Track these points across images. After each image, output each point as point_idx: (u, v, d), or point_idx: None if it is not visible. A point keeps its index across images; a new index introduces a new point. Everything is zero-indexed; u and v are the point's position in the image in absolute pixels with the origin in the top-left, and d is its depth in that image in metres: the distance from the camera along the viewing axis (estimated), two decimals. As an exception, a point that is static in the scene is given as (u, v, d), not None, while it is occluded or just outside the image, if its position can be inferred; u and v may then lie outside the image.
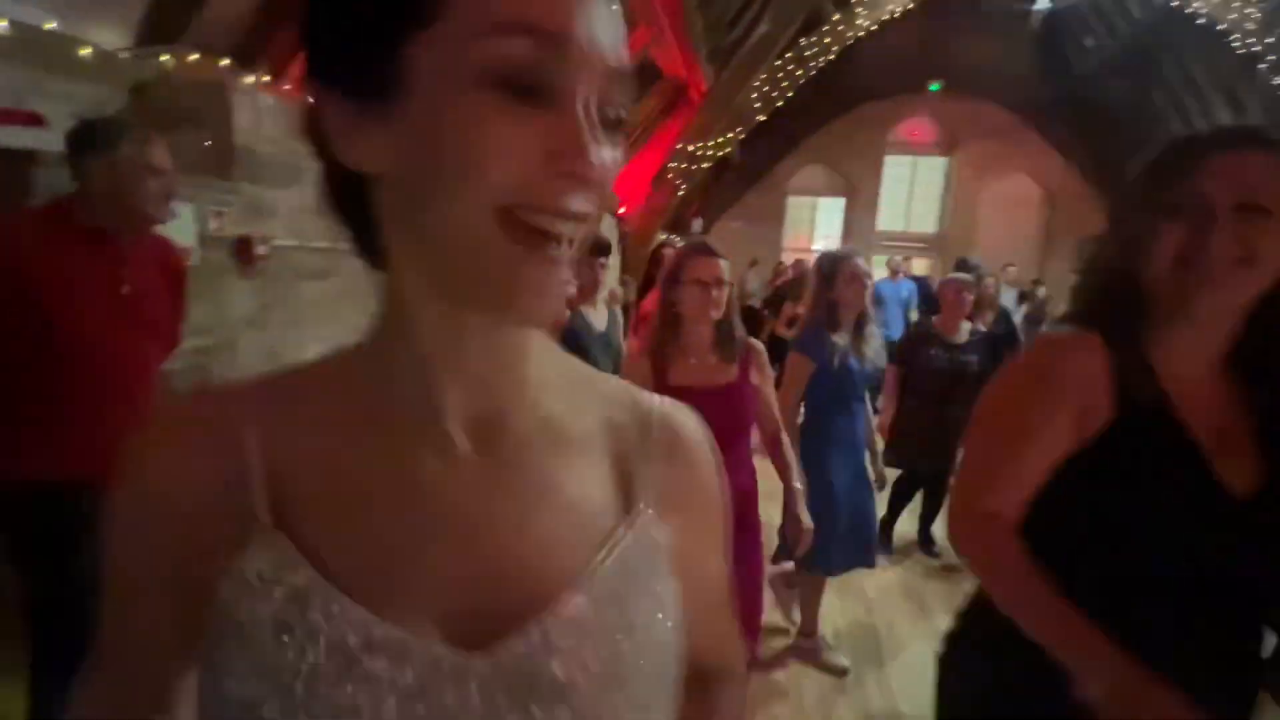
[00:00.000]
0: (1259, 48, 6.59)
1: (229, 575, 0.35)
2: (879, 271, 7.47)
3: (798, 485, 1.85)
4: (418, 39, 0.31)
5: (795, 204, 12.31)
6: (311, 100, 0.35)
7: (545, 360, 0.43)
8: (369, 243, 0.38)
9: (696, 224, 9.66)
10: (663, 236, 7.33)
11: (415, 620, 0.35)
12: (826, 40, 7.68)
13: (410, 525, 0.37)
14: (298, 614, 0.34)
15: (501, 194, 0.32)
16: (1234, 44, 6.84)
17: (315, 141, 0.36)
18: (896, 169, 11.99)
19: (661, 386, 1.47)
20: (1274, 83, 6.59)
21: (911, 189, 12.08)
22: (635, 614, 0.38)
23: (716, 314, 1.62)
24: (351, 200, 0.37)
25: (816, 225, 12.47)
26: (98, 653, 0.43)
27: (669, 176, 7.71)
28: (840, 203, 12.15)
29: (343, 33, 0.33)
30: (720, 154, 7.78)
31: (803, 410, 2.38)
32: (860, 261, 2.34)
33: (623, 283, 7.13)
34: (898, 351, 3.35)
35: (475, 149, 0.31)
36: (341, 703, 0.33)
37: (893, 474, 3.07)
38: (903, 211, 12.08)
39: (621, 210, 7.36)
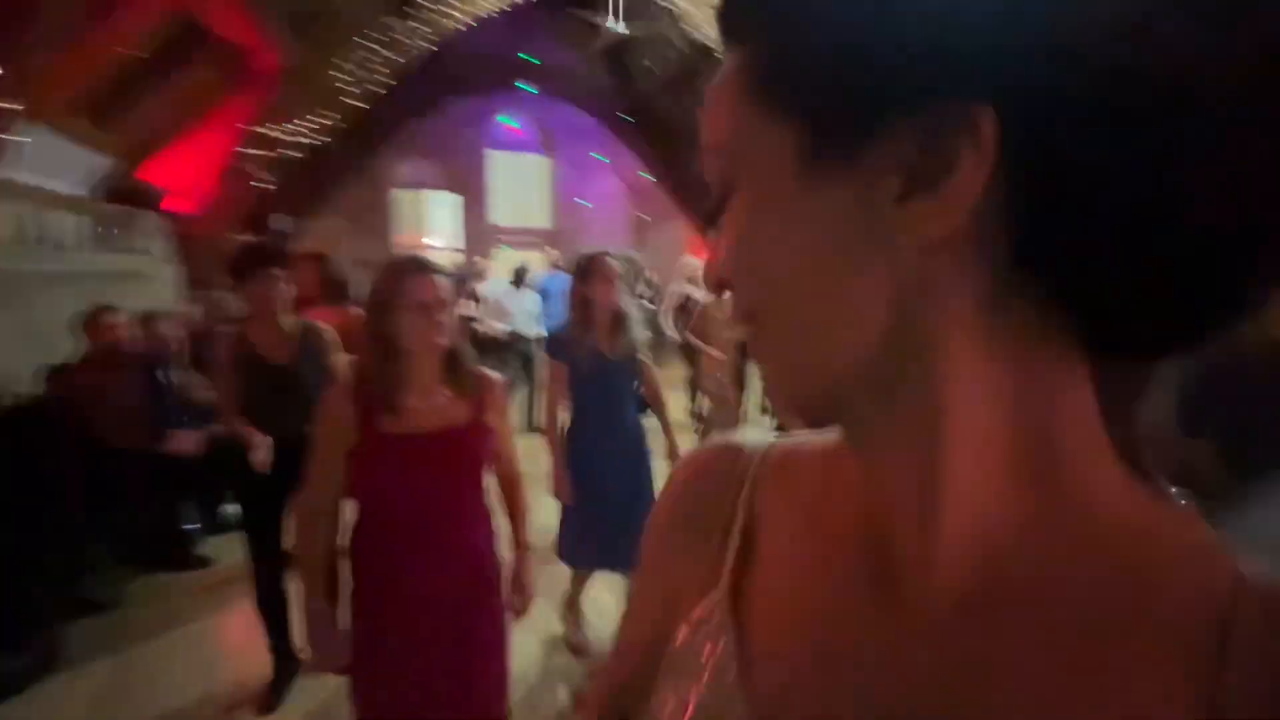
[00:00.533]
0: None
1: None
2: (499, 268, 7.61)
3: (528, 545, 1.62)
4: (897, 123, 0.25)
5: (402, 199, 11.50)
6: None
7: None
8: None
9: (282, 221, 8.06)
10: (246, 237, 5.90)
11: None
12: (420, 25, 7.14)
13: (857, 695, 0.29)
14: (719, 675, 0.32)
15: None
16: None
17: None
18: (502, 164, 12.23)
19: (371, 436, 1.33)
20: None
21: (520, 185, 12.49)
22: None
23: (443, 342, 1.37)
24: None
25: (426, 221, 11.88)
26: None
27: (242, 165, 6.20)
28: (449, 197, 11.82)
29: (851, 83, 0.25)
30: (311, 141, 6.58)
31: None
32: (613, 260, 2.33)
33: (195, 299, 5.49)
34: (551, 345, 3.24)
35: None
36: None
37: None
38: (515, 206, 12.42)
39: (180, 205, 5.60)
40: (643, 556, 0.42)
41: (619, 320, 2.33)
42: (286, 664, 2.30)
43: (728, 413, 4.43)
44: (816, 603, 0.32)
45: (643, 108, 11.96)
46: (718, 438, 0.42)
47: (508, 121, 12.14)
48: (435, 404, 1.38)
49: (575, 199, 12.47)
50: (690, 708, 0.33)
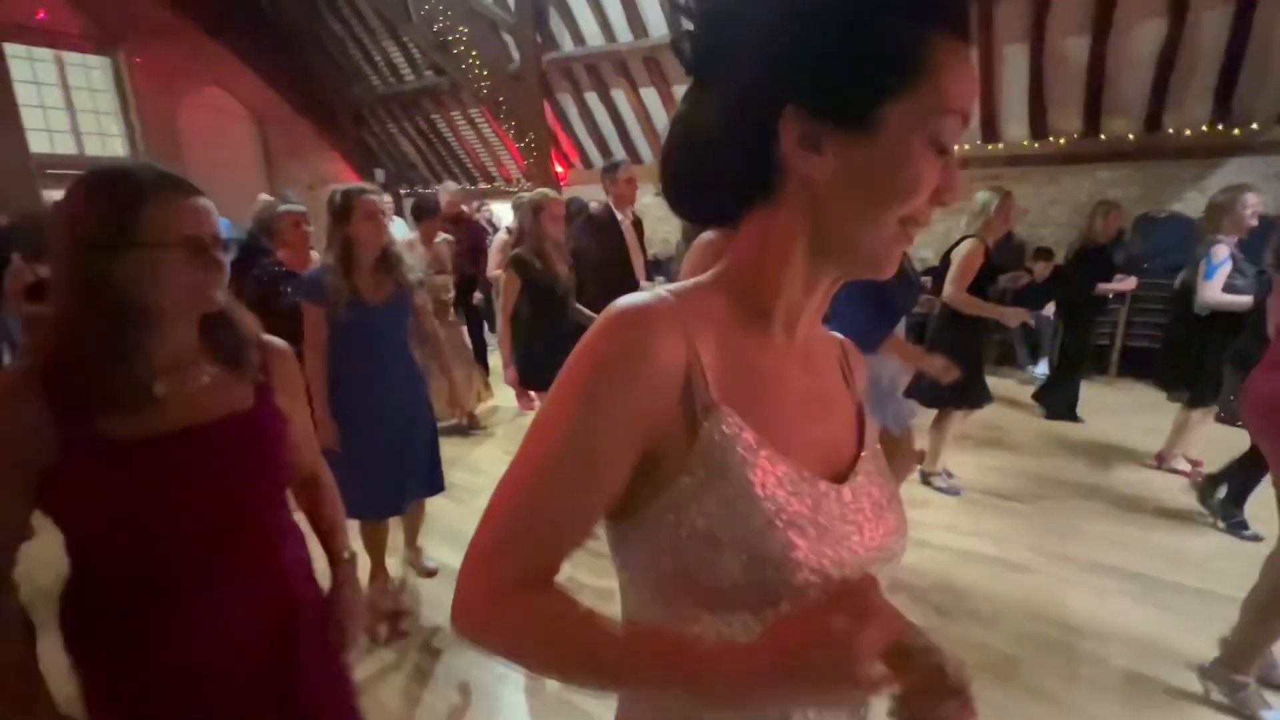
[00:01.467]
0: (418, -4, 7.84)
1: (699, 440, 0.51)
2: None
3: (350, 556, 1.23)
4: (899, 99, 0.47)
5: None
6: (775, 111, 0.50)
7: None
8: (731, 215, 0.57)
9: None
10: None
11: (803, 464, 0.54)
12: None
13: (789, 402, 0.58)
14: (755, 459, 0.51)
15: (910, 210, 0.50)
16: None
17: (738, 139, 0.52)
18: (31, 66, 8.60)
19: (87, 446, 0.87)
20: (434, 29, 8.08)
21: (67, 93, 9.00)
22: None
23: (217, 297, 0.97)
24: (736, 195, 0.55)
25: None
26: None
27: None
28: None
29: (843, 81, 0.48)
30: None
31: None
32: (375, 197, 2.21)
33: None
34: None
35: (912, 182, 0.49)
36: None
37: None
38: (59, 127, 8.94)
39: None
40: (601, 424, 0.50)
41: (387, 260, 2.23)
42: None
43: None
44: (754, 372, 0.56)
45: (256, 12, 9.69)
46: (633, 305, 0.52)
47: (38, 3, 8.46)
48: (199, 388, 0.97)
49: (167, 120, 9.58)
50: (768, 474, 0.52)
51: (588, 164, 9.33)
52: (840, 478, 0.58)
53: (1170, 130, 5.53)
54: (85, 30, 9.03)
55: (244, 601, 1.00)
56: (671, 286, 0.56)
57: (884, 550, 0.57)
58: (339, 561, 1.21)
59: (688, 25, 0.54)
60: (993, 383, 3.40)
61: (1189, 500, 3.16)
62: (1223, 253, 3.16)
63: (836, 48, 0.47)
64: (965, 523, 3.06)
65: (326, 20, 9.75)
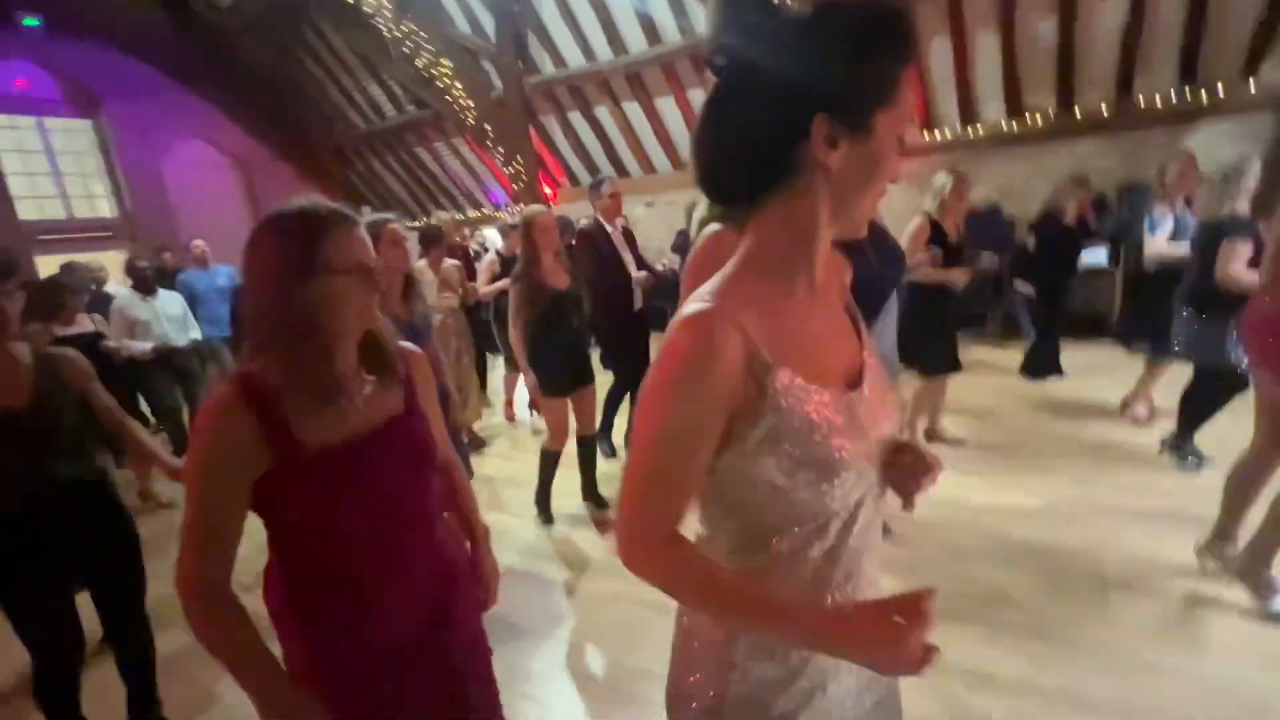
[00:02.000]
0: (398, 33, 7.97)
1: (767, 394, 0.69)
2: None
3: (484, 528, 1.40)
4: (885, 111, 0.67)
5: None
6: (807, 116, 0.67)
7: None
8: (756, 197, 0.73)
9: None
10: None
11: (833, 379, 0.75)
12: None
13: (831, 344, 0.79)
14: (807, 395, 0.70)
15: (889, 185, 0.71)
16: (377, 24, 8.00)
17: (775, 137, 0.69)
18: (15, 135, 8.62)
19: (292, 454, 0.99)
20: (417, 64, 8.21)
21: (52, 159, 9.01)
22: None
23: (375, 320, 1.09)
24: (752, 181, 0.72)
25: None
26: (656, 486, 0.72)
27: None
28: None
29: (857, 98, 0.66)
30: None
31: None
32: (398, 225, 2.36)
33: None
34: None
35: (891, 167, 0.70)
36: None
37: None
38: (47, 193, 8.94)
39: None
40: (693, 411, 0.69)
41: (410, 285, 2.45)
42: None
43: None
44: (790, 326, 0.73)
45: (220, 53, 9.76)
46: (693, 316, 0.70)
47: (14, 71, 8.49)
48: (364, 398, 1.09)
49: (152, 176, 9.61)
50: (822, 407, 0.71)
51: (575, 182, 9.46)
52: (856, 380, 0.77)
53: (1141, 99, 5.78)
54: (65, 94, 9.07)
55: (413, 573, 1.14)
56: (707, 288, 0.73)
57: (888, 429, 0.80)
58: (477, 533, 1.36)
59: (721, 49, 0.71)
60: (999, 354, 3.51)
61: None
62: (1163, 212, 3.55)
63: (855, 76, 0.66)
64: (981, 478, 3.18)
65: (305, 64, 9.85)
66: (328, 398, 1.03)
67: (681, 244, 7.40)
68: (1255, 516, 2.22)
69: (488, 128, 8.35)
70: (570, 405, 3.23)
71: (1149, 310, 3.72)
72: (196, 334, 4.87)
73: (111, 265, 9.23)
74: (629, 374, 3.91)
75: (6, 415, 1.71)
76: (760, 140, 0.69)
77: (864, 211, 0.72)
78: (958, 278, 3.34)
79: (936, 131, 6.73)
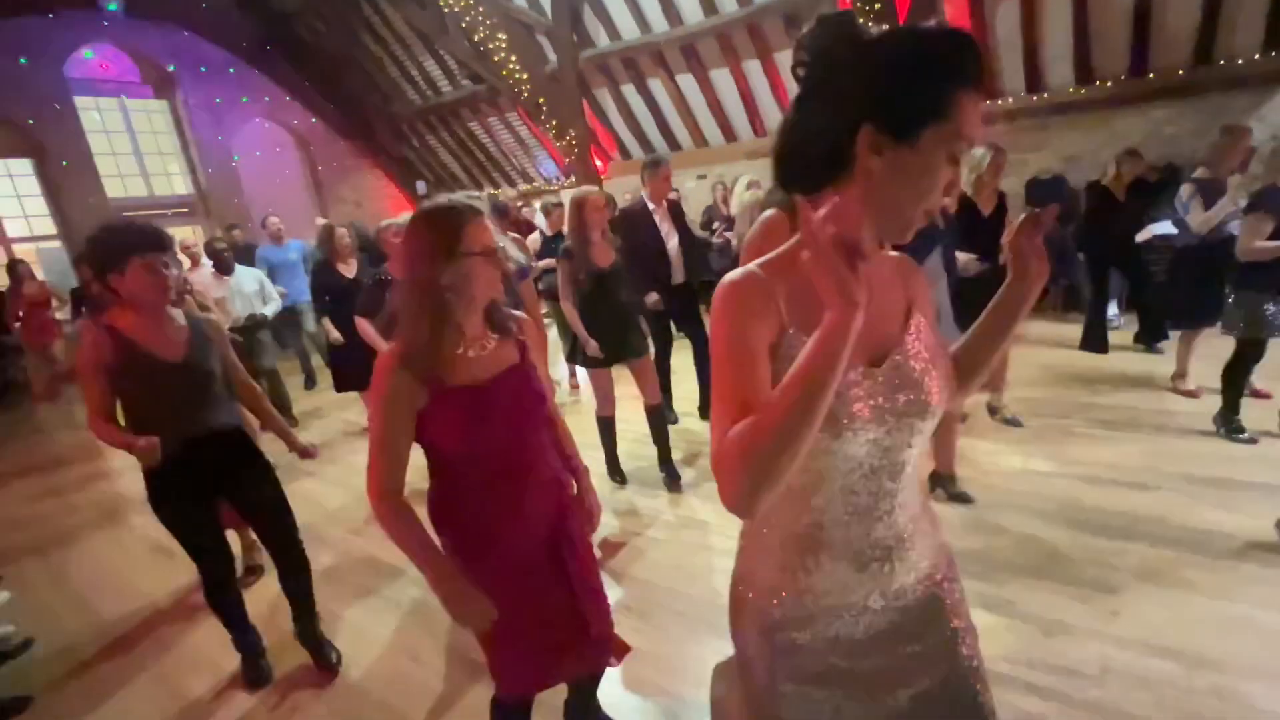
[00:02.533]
0: (456, 8, 8.12)
1: (780, 350, 0.80)
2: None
3: (585, 467, 1.66)
4: (933, 127, 0.73)
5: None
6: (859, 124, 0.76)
7: None
8: (817, 188, 0.83)
9: None
10: None
11: (858, 362, 0.82)
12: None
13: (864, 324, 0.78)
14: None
15: (933, 200, 0.78)
16: None
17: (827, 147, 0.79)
18: (97, 114, 9.11)
19: (439, 390, 1.30)
20: (473, 39, 8.36)
21: (133, 139, 9.51)
22: None
23: (499, 292, 1.39)
24: (811, 174, 0.83)
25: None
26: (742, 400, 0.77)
27: None
28: (22, 164, 8.44)
29: (902, 112, 0.73)
30: None
31: None
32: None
33: None
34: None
35: (939, 180, 0.76)
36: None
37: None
38: (130, 171, 9.46)
39: None
40: (735, 332, 0.79)
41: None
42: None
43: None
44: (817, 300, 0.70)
45: (283, 32, 10.08)
46: (735, 280, 0.81)
47: (99, 55, 8.97)
48: (488, 352, 1.38)
49: (223, 154, 10.06)
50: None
51: (626, 155, 9.55)
52: (880, 360, 0.84)
53: (1221, 62, 5.55)
54: (143, 76, 9.53)
55: (537, 490, 1.44)
56: (760, 261, 0.84)
57: (923, 405, 0.85)
58: (580, 471, 1.62)
59: (801, 61, 0.81)
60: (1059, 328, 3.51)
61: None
62: (1187, 191, 3.60)
63: (901, 92, 0.73)
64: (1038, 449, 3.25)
65: (363, 41, 10.10)
66: (463, 349, 1.33)
67: (706, 221, 7.44)
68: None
69: (541, 102, 8.47)
70: (613, 376, 3.40)
71: (1180, 283, 3.78)
72: (277, 303, 5.23)
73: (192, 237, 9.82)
74: (663, 344, 4.14)
75: (170, 369, 1.98)
76: (819, 140, 0.79)
77: (909, 218, 0.78)
78: (968, 264, 3.16)
79: (999, 100, 6.58)
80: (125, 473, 4.68)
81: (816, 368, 0.67)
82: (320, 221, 7.20)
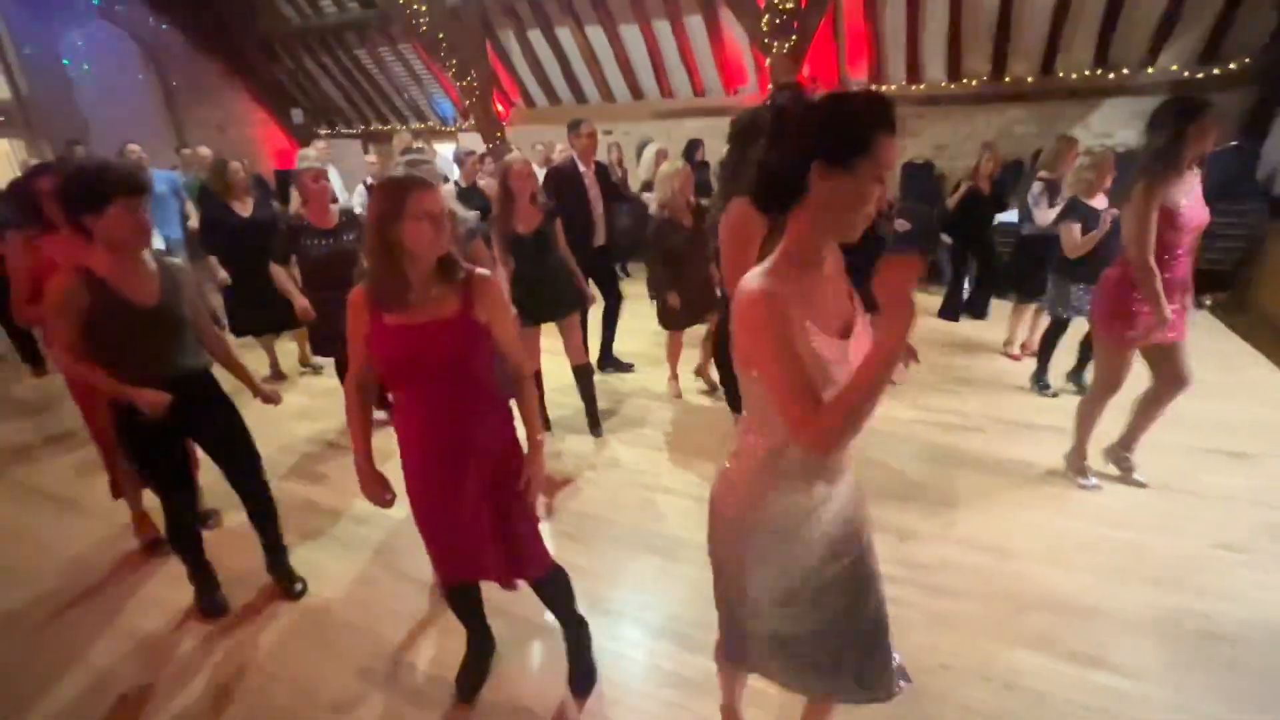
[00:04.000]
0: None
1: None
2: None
3: (539, 440, 1.79)
4: (865, 157, 1.01)
5: None
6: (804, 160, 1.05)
7: None
8: (785, 210, 1.10)
9: None
10: None
11: (833, 331, 1.11)
12: None
13: (833, 309, 1.14)
14: (815, 338, 1.07)
15: (869, 209, 1.05)
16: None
17: (787, 178, 1.08)
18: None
19: (379, 327, 1.57)
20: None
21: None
22: None
23: (444, 248, 1.56)
24: (781, 199, 1.10)
25: None
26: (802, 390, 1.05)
27: None
28: None
29: (843, 146, 1.01)
30: None
31: None
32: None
33: None
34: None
35: (870, 195, 1.04)
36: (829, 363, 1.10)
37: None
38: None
39: None
40: (780, 339, 1.04)
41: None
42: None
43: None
44: (810, 294, 1.09)
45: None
46: (761, 290, 1.06)
47: None
48: (431, 298, 1.56)
49: (49, 56, 8.63)
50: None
51: (530, 103, 9.37)
52: (847, 334, 1.14)
53: (1060, 74, 6.50)
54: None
55: (475, 430, 1.65)
56: (759, 269, 1.09)
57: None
58: (534, 438, 1.77)
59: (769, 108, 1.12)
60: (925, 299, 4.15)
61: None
62: (1038, 189, 4.29)
63: (840, 136, 1.01)
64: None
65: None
66: (404, 294, 1.53)
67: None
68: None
69: (441, 37, 8.07)
70: (540, 334, 3.52)
71: (1018, 264, 4.57)
72: (159, 241, 4.81)
73: (3, 158, 8.41)
74: (615, 300, 4.36)
75: (144, 312, 1.98)
76: (783, 173, 1.08)
77: (854, 224, 1.05)
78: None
79: (884, 87, 7.24)
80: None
81: (889, 351, 0.97)
82: (200, 152, 6.49)
